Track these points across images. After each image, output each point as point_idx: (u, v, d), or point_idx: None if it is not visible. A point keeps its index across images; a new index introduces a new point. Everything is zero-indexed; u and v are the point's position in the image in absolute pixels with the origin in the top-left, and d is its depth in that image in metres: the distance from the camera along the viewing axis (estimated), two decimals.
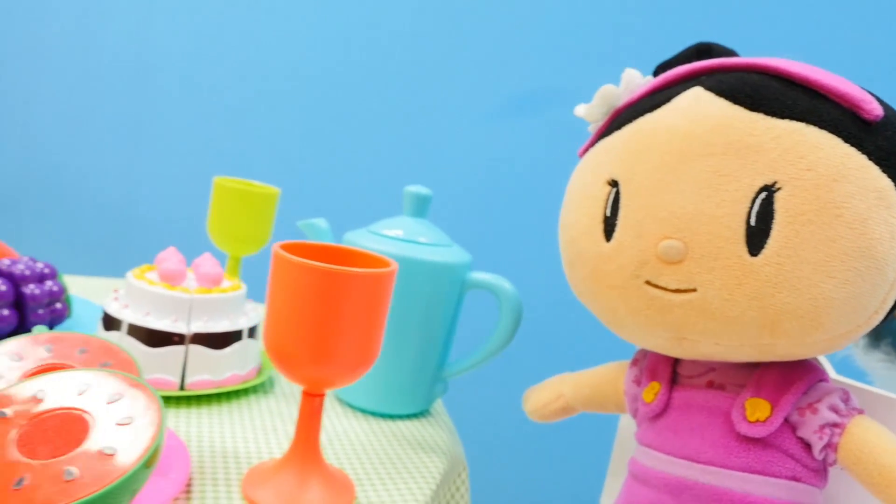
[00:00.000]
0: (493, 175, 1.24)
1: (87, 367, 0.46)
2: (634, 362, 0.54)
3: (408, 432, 0.62)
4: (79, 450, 0.35)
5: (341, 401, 0.65)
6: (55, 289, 0.64)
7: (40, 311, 0.63)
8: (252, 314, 0.63)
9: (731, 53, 0.49)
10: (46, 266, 0.65)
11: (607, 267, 0.45)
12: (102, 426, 0.36)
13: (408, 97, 1.29)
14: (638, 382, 0.52)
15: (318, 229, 0.68)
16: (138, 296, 0.58)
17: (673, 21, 1.13)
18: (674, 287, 0.42)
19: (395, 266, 0.45)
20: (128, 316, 0.57)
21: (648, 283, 0.43)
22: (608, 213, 0.45)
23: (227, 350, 0.59)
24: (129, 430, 0.36)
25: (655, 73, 0.51)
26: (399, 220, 0.65)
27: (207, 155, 1.43)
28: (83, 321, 0.71)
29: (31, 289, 0.62)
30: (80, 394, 0.38)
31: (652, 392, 0.49)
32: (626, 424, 0.66)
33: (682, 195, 0.41)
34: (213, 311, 0.59)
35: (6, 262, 0.63)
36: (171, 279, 0.59)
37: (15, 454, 0.34)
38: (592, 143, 0.51)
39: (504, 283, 0.61)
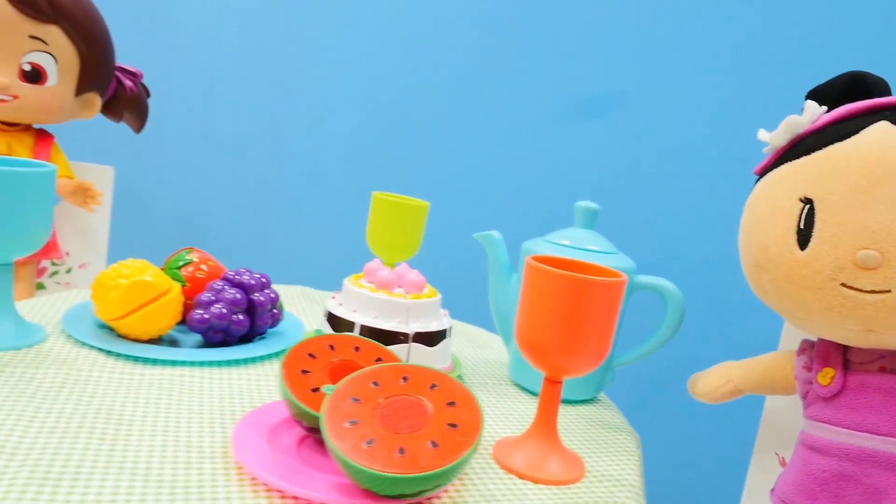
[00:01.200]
0: (556, 178, 1.33)
1: (364, 362, 0.55)
2: (801, 351, 0.63)
3: (589, 414, 0.71)
4: (430, 426, 0.44)
5: (524, 389, 0.75)
6: (273, 295, 0.74)
7: (265, 316, 0.72)
8: (447, 316, 0.72)
9: (883, 82, 0.58)
10: (263, 276, 0.74)
11: (803, 271, 0.54)
12: (436, 407, 0.46)
13: (476, 102, 1.39)
14: (808, 368, 0.61)
15: (493, 239, 0.77)
16: (363, 301, 0.67)
17: (731, 25, 1.21)
18: (869, 288, 0.51)
19: (626, 277, 0.54)
20: (358, 318, 0.66)
21: (844, 284, 0.52)
22: (802, 226, 0.54)
23: (438, 347, 0.68)
24: (457, 410, 0.46)
25: (809, 97, 0.60)
26: (570, 230, 0.74)
27: (275, 164, 1.52)
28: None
29: (257, 296, 0.72)
30: (404, 381, 0.48)
31: (827, 376, 0.58)
32: (772, 406, 0.75)
33: (879, 213, 0.50)
34: (425, 313, 0.68)
35: (230, 273, 0.73)
36: (386, 286, 0.69)
37: (383, 430, 0.44)
38: (770, 163, 0.60)
39: (670, 285, 0.70)
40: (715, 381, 0.68)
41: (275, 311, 0.74)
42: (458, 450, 0.43)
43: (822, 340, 0.61)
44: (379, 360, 0.56)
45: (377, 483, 0.41)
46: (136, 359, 0.65)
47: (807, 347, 0.63)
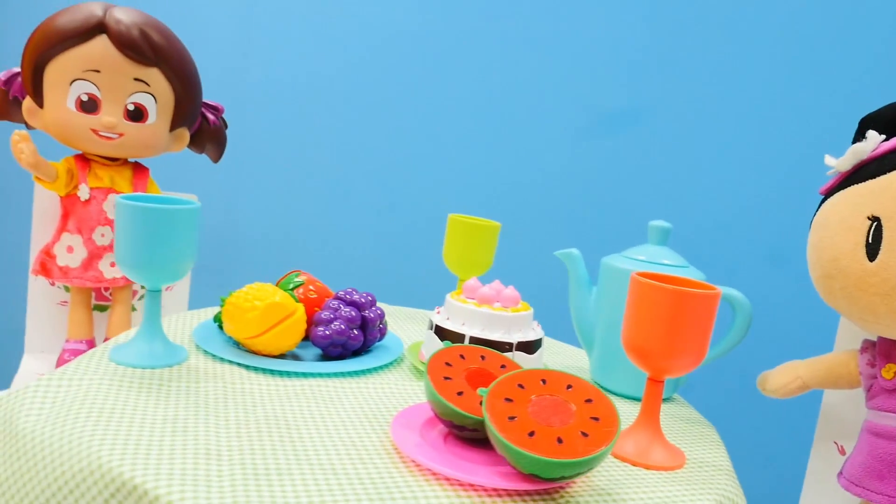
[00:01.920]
0: (579, 189, 1.42)
1: (492, 369, 0.64)
2: (864, 350, 0.71)
3: (671, 411, 0.79)
4: (576, 420, 0.53)
5: (608, 390, 0.83)
6: (380, 312, 0.82)
7: (374, 331, 0.81)
8: (539, 327, 0.81)
9: None
10: (369, 294, 0.83)
11: (872, 279, 0.62)
12: (577, 404, 0.54)
13: (501, 115, 1.48)
14: (872, 365, 0.69)
15: (573, 256, 0.86)
16: (469, 315, 0.75)
17: (749, 48, 1.30)
18: None
19: (720, 290, 0.62)
20: (467, 330, 0.75)
21: None
22: (870, 241, 0.63)
23: (535, 354, 0.77)
24: (595, 406, 0.54)
25: (862, 124, 0.69)
26: (645, 247, 0.82)
27: (307, 178, 1.61)
28: None
29: (369, 313, 0.80)
30: (544, 383, 0.56)
31: (891, 371, 0.67)
32: (829, 401, 0.83)
33: None
34: (524, 325, 0.76)
35: (341, 292, 0.81)
36: (488, 301, 0.77)
37: (539, 424, 0.52)
38: (835, 185, 0.68)
39: (739, 295, 0.79)
40: (784, 378, 0.76)
41: (381, 326, 0.82)
42: (605, 438, 0.51)
43: (882, 339, 0.69)
44: (503, 366, 0.64)
45: (543, 468, 0.49)
46: (272, 372, 0.73)
47: (868, 346, 0.71)
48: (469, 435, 0.59)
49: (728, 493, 0.60)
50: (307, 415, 0.63)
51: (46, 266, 1.02)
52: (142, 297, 1.16)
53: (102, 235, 1.02)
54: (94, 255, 1.02)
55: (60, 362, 1.03)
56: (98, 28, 0.95)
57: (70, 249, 1.02)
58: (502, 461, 0.57)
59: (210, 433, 0.57)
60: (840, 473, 0.72)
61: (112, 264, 1.03)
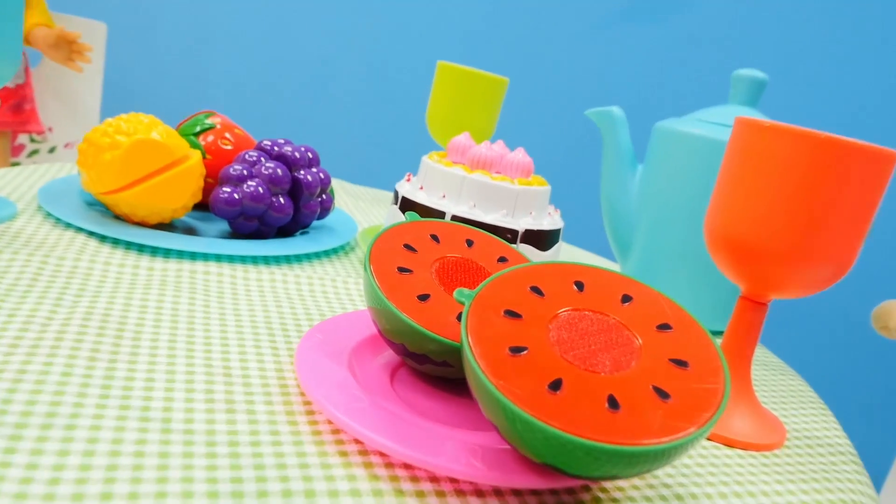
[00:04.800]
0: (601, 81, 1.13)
1: (484, 262, 0.37)
2: None
3: None
4: (643, 363, 0.27)
5: None
6: (322, 176, 0.55)
7: (313, 202, 0.54)
8: (559, 214, 0.54)
9: None
10: (309, 149, 0.56)
11: None
12: (644, 333, 0.28)
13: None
14: None
15: (613, 117, 0.58)
16: (455, 184, 0.49)
17: None
18: None
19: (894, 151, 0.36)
20: (450, 207, 0.48)
21: None
22: None
23: (549, 252, 0.51)
24: (677, 338, 0.28)
25: None
26: (725, 108, 0.55)
27: (292, 21, 1.31)
28: None
29: (304, 174, 0.53)
30: (579, 289, 0.30)
31: None
32: None
33: None
34: (536, 206, 0.50)
35: (266, 142, 0.54)
36: (485, 167, 0.50)
37: (572, 367, 0.26)
38: None
39: None
40: None
41: (325, 197, 0.56)
42: (704, 403, 0.25)
43: None
44: (503, 259, 0.38)
45: (576, 456, 0.24)
46: (141, 248, 0.47)
47: None
48: (435, 371, 0.34)
49: (862, 498, 0.35)
50: (166, 318, 0.37)
51: None
52: (32, 153, 0.89)
53: None
54: None
55: None
56: None
57: None
58: (489, 425, 0.32)
59: None
60: None
61: None
